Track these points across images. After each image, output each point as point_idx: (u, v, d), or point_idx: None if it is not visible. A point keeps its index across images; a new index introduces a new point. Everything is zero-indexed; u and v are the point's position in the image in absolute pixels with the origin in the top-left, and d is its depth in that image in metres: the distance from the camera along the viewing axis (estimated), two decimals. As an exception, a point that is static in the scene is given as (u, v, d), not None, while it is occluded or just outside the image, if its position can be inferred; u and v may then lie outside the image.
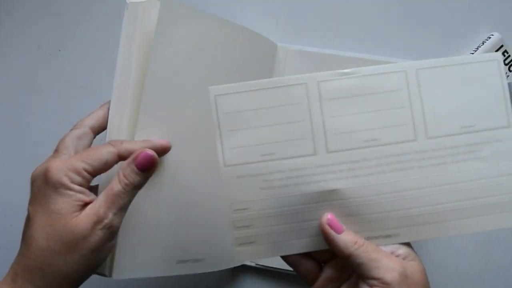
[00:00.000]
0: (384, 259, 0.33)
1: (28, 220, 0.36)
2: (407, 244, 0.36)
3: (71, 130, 0.39)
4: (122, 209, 0.35)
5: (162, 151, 0.38)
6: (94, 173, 0.36)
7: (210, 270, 0.45)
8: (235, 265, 0.49)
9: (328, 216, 0.34)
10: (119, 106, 0.39)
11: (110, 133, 0.39)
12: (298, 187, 0.35)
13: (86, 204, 0.35)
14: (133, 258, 0.40)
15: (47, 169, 0.35)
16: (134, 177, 0.35)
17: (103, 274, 0.40)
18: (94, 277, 0.42)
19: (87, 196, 0.35)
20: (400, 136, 0.34)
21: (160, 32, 0.38)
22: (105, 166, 0.36)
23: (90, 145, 0.39)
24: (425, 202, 0.35)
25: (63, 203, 0.34)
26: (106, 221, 0.34)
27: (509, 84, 0.52)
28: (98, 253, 0.35)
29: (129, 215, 0.39)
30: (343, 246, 0.34)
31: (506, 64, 0.52)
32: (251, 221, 0.35)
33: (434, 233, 0.35)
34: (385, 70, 0.34)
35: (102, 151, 0.36)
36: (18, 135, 0.55)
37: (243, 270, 0.53)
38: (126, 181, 0.35)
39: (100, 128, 0.40)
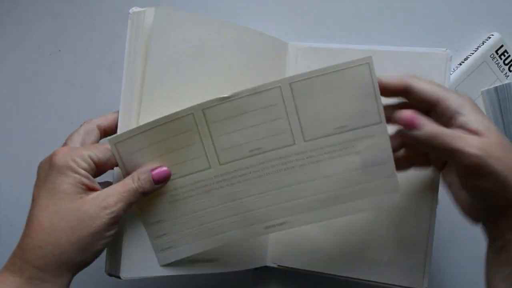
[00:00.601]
0: (461, 145, 0.34)
1: (32, 203, 0.37)
2: (476, 111, 0.36)
3: (80, 126, 0.40)
4: (129, 205, 0.37)
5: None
6: (98, 163, 0.37)
7: (223, 271, 0.45)
8: (251, 267, 0.49)
9: (405, 115, 0.36)
10: (126, 112, 0.40)
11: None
12: (201, 195, 0.40)
13: (89, 189, 0.37)
14: (142, 257, 0.41)
15: (53, 154, 0.37)
16: (147, 183, 0.38)
17: (117, 276, 0.40)
18: (104, 277, 0.42)
19: (91, 181, 0.37)
20: (280, 142, 0.39)
21: (156, 39, 0.39)
22: (109, 161, 0.38)
23: (97, 142, 0.41)
24: (308, 193, 0.40)
25: (68, 184, 0.36)
26: (114, 208, 0.36)
27: (509, 84, 0.52)
28: (98, 238, 0.36)
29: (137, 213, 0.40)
30: (424, 140, 0.36)
31: (506, 64, 0.52)
32: (167, 230, 0.41)
33: (318, 218, 0.41)
34: (261, 89, 0.37)
35: (107, 147, 0.38)
36: (18, 135, 0.55)
37: (266, 271, 0.52)
38: (139, 183, 0.38)
39: (108, 129, 0.41)
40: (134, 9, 0.40)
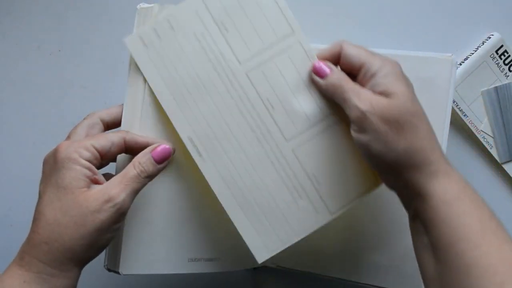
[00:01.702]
0: (353, 99, 0.36)
1: (38, 198, 0.37)
2: (393, 75, 0.36)
3: (83, 119, 0.40)
4: (134, 192, 0.37)
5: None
6: (102, 151, 0.37)
7: (223, 270, 0.45)
8: (250, 267, 0.49)
9: (313, 63, 0.39)
10: (131, 106, 0.40)
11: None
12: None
13: (92, 181, 0.36)
14: (141, 253, 0.41)
15: (56, 149, 0.37)
16: (149, 166, 0.37)
17: (116, 272, 0.40)
18: (106, 274, 0.42)
19: (94, 173, 0.37)
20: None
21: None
22: (112, 147, 0.37)
23: None
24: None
25: (70, 178, 0.35)
26: (117, 200, 0.36)
27: (509, 84, 0.52)
28: (104, 233, 0.36)
29: (139, 210, 0.40)
30: (325, 90, 0.39)
31: (506, 64, 0.52)
32: None
33: None
34: None
35: (109, 134, 0.38)
36: (18, 135, 0.55)
37: (264, 271, 0.52)
38: (141, 168, 0.37)
39: (111, 123, 0.41)
40: (142, 5, 0.40)
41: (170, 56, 0.39)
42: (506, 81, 0.52)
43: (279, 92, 0.40)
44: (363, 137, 0.35)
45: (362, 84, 0.37)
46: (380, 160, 0.35)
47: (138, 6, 0.40)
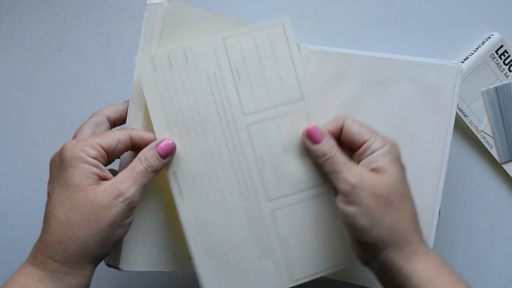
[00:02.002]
0: (345, 172, 0.37)
1: (48, 199, 0.37)
2: (391, 155, 0.37)
3: (89, 118, 0.40)
4: (142, 187, 0.37)
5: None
6: (108, 149, 0.37)
7: None
8: None
9: (307, 127, 0.39)
10: (136, 103, 0.40)
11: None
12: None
13: (101, 178, 0.37)
14: (143, 250, 0.41)
15: (62, 149, 0.37)
16: (155, 161, 0.38)
17: (117, 268, 0.41)
18: (110, 272, 0.42)
19: (102, 170, 0.37)
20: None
21: (167, 32, 0.39)
22: (118, 144, 0.38)
23: None
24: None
25: (79, 176, 0.36)
26: (127, 195, 0.36)
27: (509, 84, 0.52)
28: (117, 227, 0.36)
29: (141, 206, 0.40)
30: (315, 156, 0.39)
31: (506, 64, 0.52)
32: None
33: None
34: None
35: (115, 132, 0.38)
36: (18, 135, 0.55)
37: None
38: (148, 162, 0.38)
39: (117, 121, 0.41)
40: (152, 0, 0.40)
41: (176, 87, 0.39)
42: (506, 81, 0.52)
43: (273, 152, 0.40)
44: (350, 209, 0.36)
45: (359, 158, 0.38)
46: (363, 233, 0.36)
47: (148, 2, 0.40)
